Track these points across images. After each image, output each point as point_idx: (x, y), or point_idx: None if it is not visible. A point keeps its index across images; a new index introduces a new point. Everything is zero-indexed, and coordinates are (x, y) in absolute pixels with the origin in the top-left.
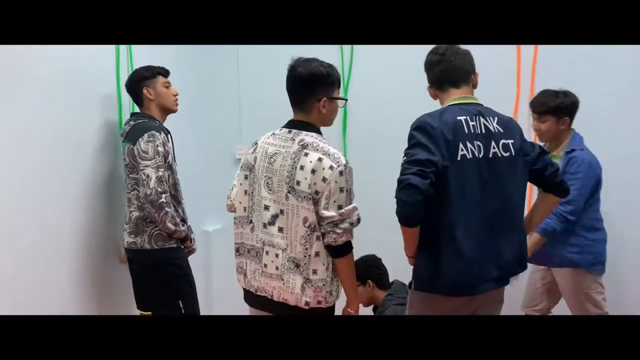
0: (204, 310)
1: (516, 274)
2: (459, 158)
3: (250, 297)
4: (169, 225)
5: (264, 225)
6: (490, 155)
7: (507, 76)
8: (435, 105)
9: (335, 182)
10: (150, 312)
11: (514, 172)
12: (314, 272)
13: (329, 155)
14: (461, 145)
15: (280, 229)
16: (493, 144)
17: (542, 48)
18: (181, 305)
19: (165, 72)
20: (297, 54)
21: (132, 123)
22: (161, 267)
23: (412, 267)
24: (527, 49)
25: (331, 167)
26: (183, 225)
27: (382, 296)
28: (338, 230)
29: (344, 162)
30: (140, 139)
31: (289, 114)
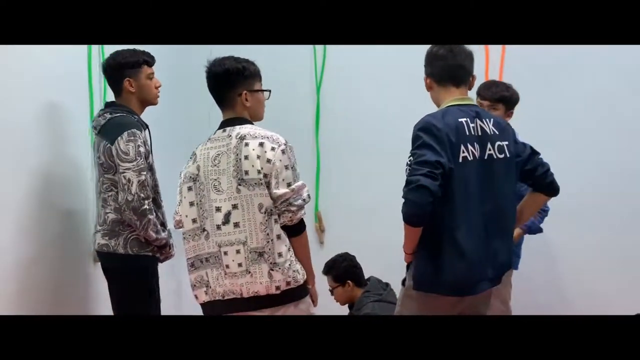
0: (174, 310)
1: (504, 273)
2: (460, 160)
3: (218, 305)
4: (151, 233)
5: (217, 227)
6: (486, 157)
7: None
8: (409, 102)
9: (280, 160)
10: None
11: (508, 173)
12: (279, 254)
13: (267, 138)
14: (462, 147)
15: (236, 224)
16: (489, 145)
17: (509, 48)
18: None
19: (151, 60)
20: (270, 52)
21: (107, 116)
22: (131, 275)
23: (392, 263)
24: (495, 49)
25: (273, 149)
26: (164, 231)
27: (359, 294)
28: (292, 208)
29: (283, 141)
30: (119, 138)
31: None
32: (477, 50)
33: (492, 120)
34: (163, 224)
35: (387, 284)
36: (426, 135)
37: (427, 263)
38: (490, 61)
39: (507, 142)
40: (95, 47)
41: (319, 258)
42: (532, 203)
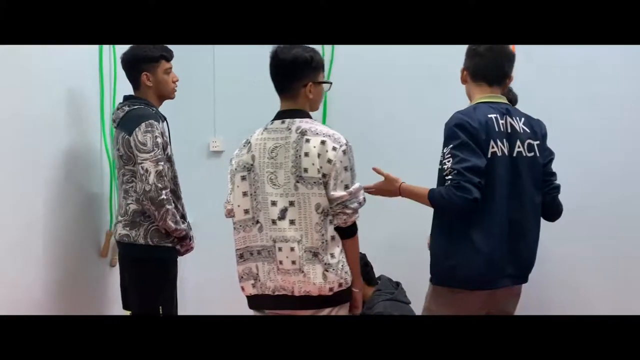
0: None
1: (529, 272)
2: (489, 155)
3: (266, 300)
4: (170, 223)
5: (273, 222)
6: (515, 155)
7: None
8: (416, 101)
9: (340, 161)
10: (130, 312)
11: (536, 172)
12: (332, 256)
13: (329, 136)
14: (492, 143)
15: (292, 222)
16: (518, 143)
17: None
18: (161, 312)
19: (169, 55)
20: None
21: (126, 109)
22: (151, 265)
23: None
24: None
25: (334, 148)
26: (183, 223)
27: (370, 292)
28: (347, 211)
29: (344, 141)
30: (137, 129)
31: (265, 105)
32: None
33: (522, 118)
34: (183, 216)
35: (397, 283)
36: (462, 132)
37: (446, 257)
38: None
39: (538, 142)
40: (106, 46)
41: None
42: None
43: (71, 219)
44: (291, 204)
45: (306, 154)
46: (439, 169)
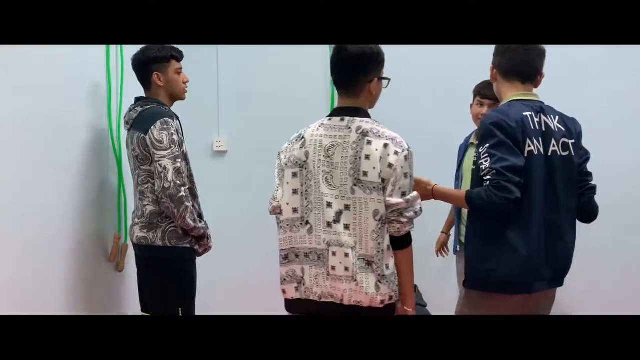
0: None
1: (565, 274)
2: (525, 154)
3: (309, 305)
4: (189, 221)
5: (328, 224)
6: (550, 154)
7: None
8: (420, 101)
9: (401, 167)
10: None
11: (571, 171)
12: (387, 267)
13: (392, 140)
14: (528, 141)
15: (347, 226)
16: (553, 142)
17: None
18: (180, 313)
19: (179, 56)
20: (284, 50)
21: (138, 109)
22: (169, 266)
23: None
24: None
25: (396, 153)
26: (201, 222)
27: None
28: (403, 220)
29: (406, 146)
30: (152, 127)
31: (269, 105)
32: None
33: (557, 117)
34: (200, 215)
35: (415, 286)
36: (499, 130)
37: (482, 260)
38: None
39: (573, 141)
40: (113, 46)
41: None
42: None
43: (79, 222)
44: (346, 207)
45: (367, 157)
46: (473, 169)
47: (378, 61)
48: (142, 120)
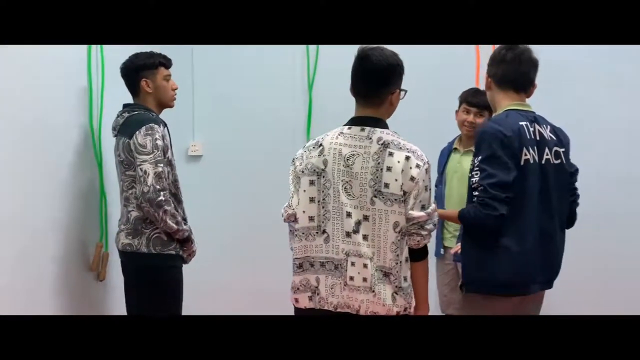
0: None
1: (556, 277)
2: (522, 163)
3: (326, 316)
4: (171, 224)
5: (347, 234)
6: (544, 162)
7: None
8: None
9: (423, 180)
10: None
11: (563, 178)
12: (405, 279)
13: (413, 152)
14: (524, 150)
15: (365, 237)
16: (546, 150)
17: None
18: None
19: (168, 63)
20: (261, 51)
21: (125, 115)
22: (155, 273)
23: None
24: (486, 49)
25: (418, 166)
26: (185, 224)
27: None
28: (423, 232)
29: (426, 159)
30: (137, 132)
31: (244, 109)
32: (468, 51)
33: (549, 126)
34: (184, 219)
35: None
36: (494, 142)
37: (478, 264)
38: (481, 62)
39: (563, 149)
40: (94, 47)
41: None
42: None
43: (59, 231)
44: (365, 218)
45: (389, 169)
46: (469, 177)
47: (400, 73)
48: (128, 125)
